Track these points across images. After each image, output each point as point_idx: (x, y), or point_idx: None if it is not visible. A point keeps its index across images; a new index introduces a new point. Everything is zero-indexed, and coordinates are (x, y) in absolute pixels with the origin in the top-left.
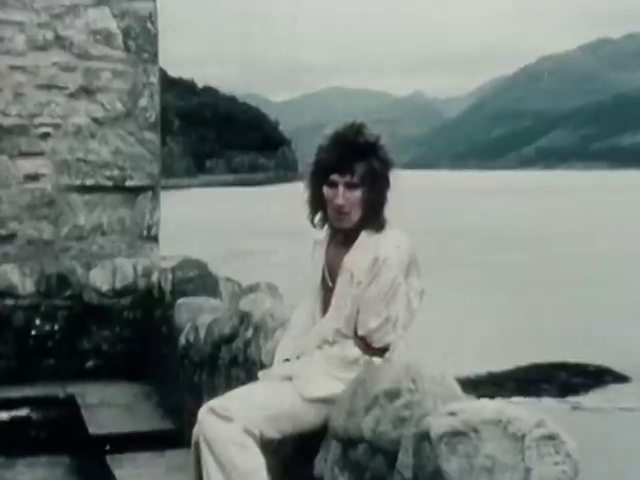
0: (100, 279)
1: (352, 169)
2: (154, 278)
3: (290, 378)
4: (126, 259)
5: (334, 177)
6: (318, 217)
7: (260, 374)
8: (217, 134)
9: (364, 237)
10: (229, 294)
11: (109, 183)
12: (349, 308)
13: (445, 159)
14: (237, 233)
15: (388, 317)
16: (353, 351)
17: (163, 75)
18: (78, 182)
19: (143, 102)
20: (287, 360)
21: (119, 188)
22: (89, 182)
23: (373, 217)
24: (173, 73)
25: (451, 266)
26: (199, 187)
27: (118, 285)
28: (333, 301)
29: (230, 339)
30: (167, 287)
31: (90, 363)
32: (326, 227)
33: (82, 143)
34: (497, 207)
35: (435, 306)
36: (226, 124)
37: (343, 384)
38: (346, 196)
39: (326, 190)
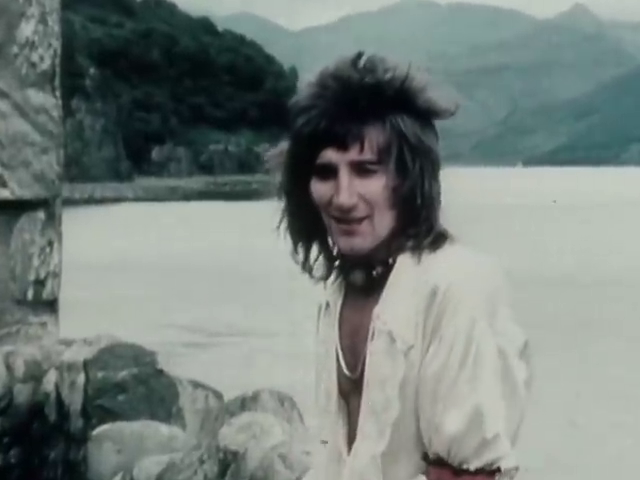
0: None
1: (361, 136)
2: (48, 384)
3: None
4: None
5: (328, 155)
6: (314, 253)
7: None
8: (174, 96)
9: (404, 264)
10: (199, 415)
11: None
12: (397, 407)
13: (636, 144)
14: (210, 292)
15: (478, 407)
16: None
17: None
18: None
19: (26, 30)
20: None
21: None
22: None
23: (416, 225)
24: None
25: None
26: (138, 201)
27: None
28: (363, 403)
29: None
30: (75, 402)
31: None
32: (335, 277)
33: None
34: None
35: None
36: (193, 76)
37: None
38: (355, 188)
39: (316, 186)
